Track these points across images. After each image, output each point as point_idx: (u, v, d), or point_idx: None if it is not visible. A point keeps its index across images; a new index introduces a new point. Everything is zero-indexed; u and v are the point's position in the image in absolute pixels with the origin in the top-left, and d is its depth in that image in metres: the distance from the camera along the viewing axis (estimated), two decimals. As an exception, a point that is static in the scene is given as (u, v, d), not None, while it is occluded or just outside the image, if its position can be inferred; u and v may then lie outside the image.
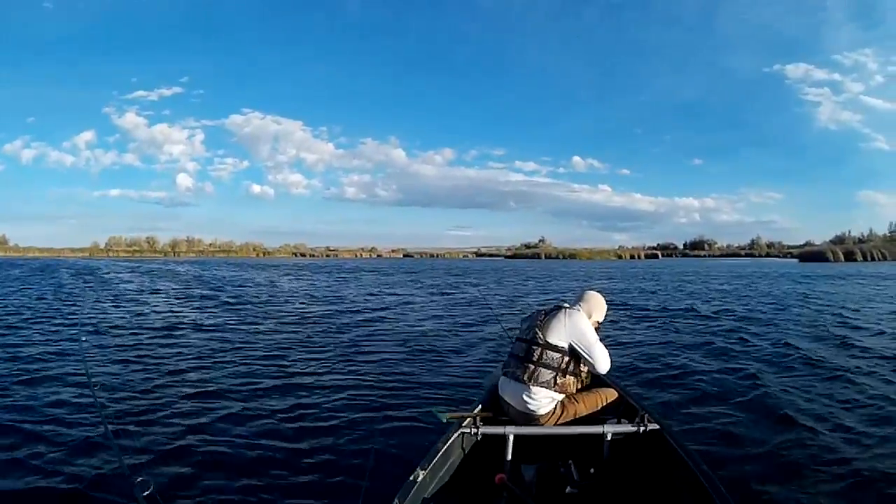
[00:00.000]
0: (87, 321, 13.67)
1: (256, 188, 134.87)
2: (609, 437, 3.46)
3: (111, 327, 12.44)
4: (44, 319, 13.92)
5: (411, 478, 2.99)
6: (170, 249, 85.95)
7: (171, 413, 5.79)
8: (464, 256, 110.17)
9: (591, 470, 3.37)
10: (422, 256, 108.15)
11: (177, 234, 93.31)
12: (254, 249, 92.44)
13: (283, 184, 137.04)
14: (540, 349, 3.53)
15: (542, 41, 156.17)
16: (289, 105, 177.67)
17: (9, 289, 25.08)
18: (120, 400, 6.24)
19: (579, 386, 3.63)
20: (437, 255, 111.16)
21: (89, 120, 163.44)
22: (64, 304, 18.09)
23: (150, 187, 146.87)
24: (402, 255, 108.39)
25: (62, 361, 8.38)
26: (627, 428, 3.49)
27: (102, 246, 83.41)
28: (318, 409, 6.07)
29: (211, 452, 4.67)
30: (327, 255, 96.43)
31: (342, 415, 5.83)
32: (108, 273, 40.95)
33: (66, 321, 13.66)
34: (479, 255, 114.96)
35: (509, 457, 3.47)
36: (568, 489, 3.24)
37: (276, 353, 9.34)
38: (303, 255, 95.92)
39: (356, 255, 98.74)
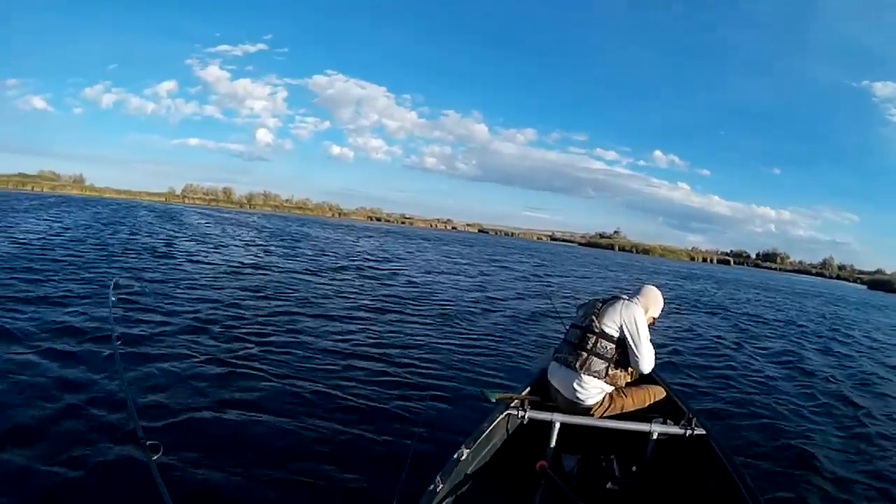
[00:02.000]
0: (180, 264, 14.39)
1: (336, 149, 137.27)
2: (654, 437, 3.39)
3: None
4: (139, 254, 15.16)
5: (455, 455, 3.03)
6: (245, 202, 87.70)
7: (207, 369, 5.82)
8: (538, 238, 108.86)
9: (633, 468, 3.36)
10: (497, 234, 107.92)
11: (253, 188, 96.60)
12: (329, 209, 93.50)
13: (363, 147, 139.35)
14: (595, 338, 3.52)
15: (624, 30, 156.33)
16: (373, 70, 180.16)
17: (99, 226, 25.80)
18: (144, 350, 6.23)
19: (628, 380, 3.61)
20: (512, 234, 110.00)
21: (171, 70, 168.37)
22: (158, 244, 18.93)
23: (229, 140, 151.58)
24: (476, 231, 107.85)
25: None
26: (674, 429, 3.39)
27: (178, 193, 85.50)
28: (368, 376, 6.15)
29: (244, 420, 4.61)
30: (402, 223, 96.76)
31: (392, 386, 5.90)
32: (192, 219, 41.94)
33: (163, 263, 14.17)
34: (553, 238, 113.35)
35: (553, 444, 3.46)
36: (609, 485, 3.23)
37: (334, 314, 9.54)
38: (378, 219, 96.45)
39: (431, 226, 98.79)
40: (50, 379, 5.04)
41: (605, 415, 3.51)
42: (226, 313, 8.71)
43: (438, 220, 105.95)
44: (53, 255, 13.51)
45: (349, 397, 5.36)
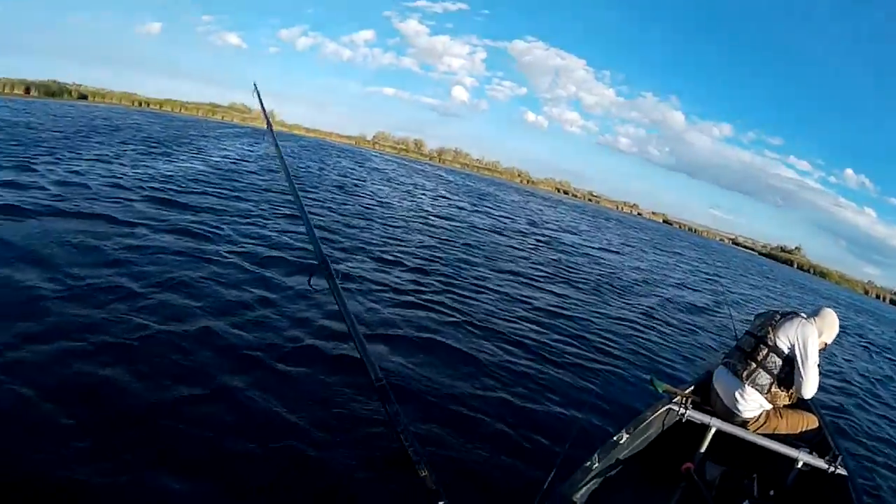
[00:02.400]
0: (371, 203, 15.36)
1: (531, 116, 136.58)
2: (798, 465, 3.28)
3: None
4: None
5: (615, 437, 3.13)
6: (436, 155, 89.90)
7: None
8: (720, 240, 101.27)
9: (771, 492, 3.31)
10: (680, 227, 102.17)
11: (445, 143, 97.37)
12: (518, 175, 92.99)
13: (557, 118, 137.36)
14: (766, 350, 3.44)
15: (828, 36, 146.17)
16: (573, 41, 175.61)
17: (295, 159, 28.33)
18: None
19: (787, 402, 3.52)
20: (696, 231, 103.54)
21: (370, 20, 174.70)
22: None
23: (424, 93, 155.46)
24: (661, 220, 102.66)
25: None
26: (818, 462, 3.22)
27: (369, 138, 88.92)
28: (548, 343, 6.54)
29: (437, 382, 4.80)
30: (588, 199, 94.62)
31: (570, 356, 6.28)
32: (382, 164, 43.06)
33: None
34: (735, 243, 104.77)
35: (703, 448, 3.44)
36: (745, 503, 3.10)
37: (518, 275, 10.17)
38: (565, 192, 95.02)
39: (617, 208, 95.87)
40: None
41: (757, 431, 3.42)
42: (415, 257, 9.62)
43: (625, 203, 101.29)
44: (252, 179, 14.94)
45: (530, 360, 5.85)
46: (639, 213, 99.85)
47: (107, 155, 14.50)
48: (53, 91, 57.66)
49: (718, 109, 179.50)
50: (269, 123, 3.43)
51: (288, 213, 10.66)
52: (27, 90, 54.20)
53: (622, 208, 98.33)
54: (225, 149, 24.85)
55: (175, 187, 11.46)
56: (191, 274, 6.09)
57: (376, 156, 62.45)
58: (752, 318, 3.82)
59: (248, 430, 3.46)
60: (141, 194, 9.96)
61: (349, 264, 8.07)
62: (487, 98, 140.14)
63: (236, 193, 12.27)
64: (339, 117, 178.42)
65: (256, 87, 3.66)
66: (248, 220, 9.67)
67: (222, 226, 8.69)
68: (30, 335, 4.04)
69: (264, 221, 9.80)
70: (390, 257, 9.16)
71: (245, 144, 30.89)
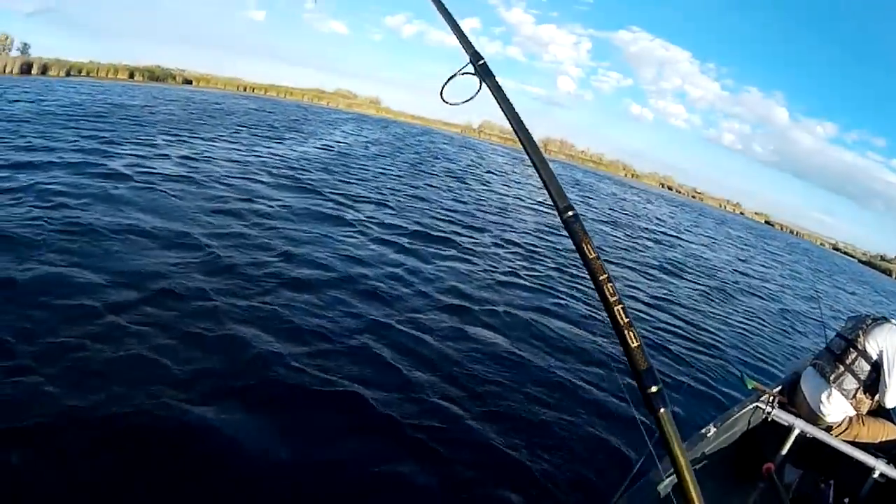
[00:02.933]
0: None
1: (636, 108, 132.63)
2: (875, 475, 3.17)
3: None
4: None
5: (703, 430, 3.17)
6: (542, 145, 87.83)
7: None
8: (820, 244, 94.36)
9: (846, 500, 3.26)
10: (781, 228, 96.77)
11: (550, 133, 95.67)
12: (623, 168, 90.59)
13: (662, 111, 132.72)
14: (856, 354, 3.35)
15: None
16: (678, 32, 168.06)
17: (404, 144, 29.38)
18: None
19: (870, 409, 3.42)
20: (797, 234, 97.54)
21: (474, 8, 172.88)
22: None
23: (530, 83, 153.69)
24: (763, 221, 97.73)
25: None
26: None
27: (475, 127, 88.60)
28: (648, 334, 6.93)
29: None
30: (692, 196, 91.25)
31: (667, 343, 6.76)
32: (488, 154, 42.86)
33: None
34: (835, 248, 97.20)
35: (785, 450, 3.39)
36: None
37: (626, 266, 10.95)
38: (669, 187, 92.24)
39: (720, 205, 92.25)
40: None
41: (839, 436, 3.34)
42: (522, 241, 10.71)
43: (728, 201, 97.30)
44: (371, 163, 15.62)
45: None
46: (741, 212, 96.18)
47: (226, 136, 16.07)
48: (158, 76, 58.55)
49: (822, 107, 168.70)
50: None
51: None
52: (131, 75, 55.29)
53: (725, 206, 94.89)
54: (342, 133, 26.52)
55: (299, 168, 12.97)
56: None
57: (482, 145, 61.87)
58: (844, 321, 3.73)
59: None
60: (268, 174, 11.28)
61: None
62: (593, 88, 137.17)
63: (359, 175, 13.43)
64: (444, 105, 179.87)
65: None
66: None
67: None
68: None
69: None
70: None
71: (355, 130, 32.31)
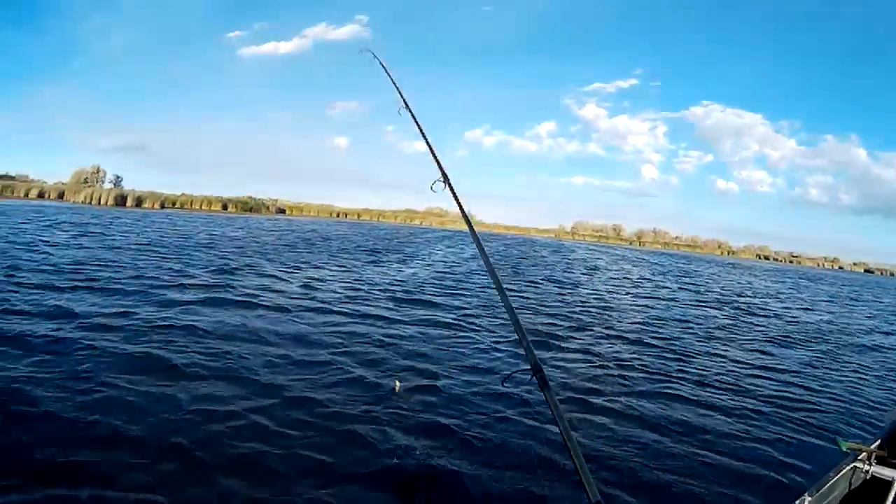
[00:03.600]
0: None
1: (721, 183, 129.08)
2: None
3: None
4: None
5: (797, 501, 2.97)
6: (635, 239, 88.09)
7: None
8: None
9: None
10: (881, 273, 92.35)
11: (642, 224, 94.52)
12: (719, 247, 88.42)
13: (746, 180, 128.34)
14: None
15: None
16: (747, 97, 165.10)
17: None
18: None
19: None
20: None
21: (549, 112, 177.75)
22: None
23: (614, 177, 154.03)
24: (862, 270, 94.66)
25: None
26: None
27: (568, 229, 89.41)
28: (753, 404, 6.97)
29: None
30: (790, 261, 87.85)
31: (767, 416, 6.61)
32: (583, 254, 43.77)
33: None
34: None
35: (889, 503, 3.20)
36: None
37: (730, 345, 10.83)
38: (766, 257, 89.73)
39: (818, 265, 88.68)
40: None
41: None
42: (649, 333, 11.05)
43: (825, 258, 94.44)
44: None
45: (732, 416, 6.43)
46: (840, 267, 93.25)
47: (341, 263, 17.33)
48: (251, 206, 61.39)
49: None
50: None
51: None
52: (224, 206, 58.79)
53: (823, 264, 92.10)
54: (434, 253, 27.36)
55: (408, 288, 13.73)
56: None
57: (579, 246, 62.66)
58: None
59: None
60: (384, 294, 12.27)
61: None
62: (676, 172, 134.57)
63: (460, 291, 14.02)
64: (535, 212, 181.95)
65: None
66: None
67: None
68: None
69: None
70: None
71: (449, 247, 33.56)
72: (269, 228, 32.95)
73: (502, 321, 10.00)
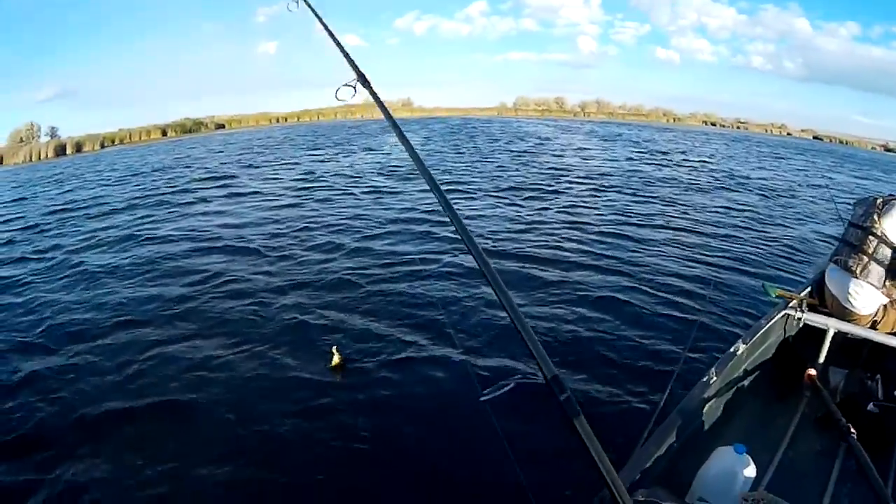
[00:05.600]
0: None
1: (662, 52, 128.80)
2: None
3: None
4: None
5: (732, 349, 3.06)
6: (579, 110, 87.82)
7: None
8: (872, 148, 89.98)
9: None
10: (830, 140, 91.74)
11: (584, 97, 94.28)
12: (664, 115, 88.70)
13: (687, 49, 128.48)
14: (875, 241, 3.24)
15: None
16: None
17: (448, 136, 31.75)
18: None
19: None
20: (845, 143, 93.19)
21: None
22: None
23: (550, 50, 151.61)
24: (811, 137, 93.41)
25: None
26: None
27: (510, 105, 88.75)
28: (657, 265, 7.23)
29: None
30: (737, 127, 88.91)
31: (684, 269, 7.03)
32: (532, 129, 43.12)
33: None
34: (887, 149, 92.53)
35: (824, 353, 3.36)
36: (870, 405, 3.01)
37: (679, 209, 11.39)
38: (713, 124, 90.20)
39: (766, 131, 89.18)
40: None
41: (877, 329, 3.31)
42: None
43: (772, 124, 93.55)
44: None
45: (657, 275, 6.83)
46: (788, 133, 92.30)
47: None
48: (190, 128, 58.49)
49: (840, 8, 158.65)
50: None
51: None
52: (164, 132, 55.83)
53: (770, 130, 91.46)
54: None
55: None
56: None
57: (522, 121, 60.72)
58: (852, 207, 3.61)
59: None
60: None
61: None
62: (614, 42, 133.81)
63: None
64: (475, 93, 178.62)
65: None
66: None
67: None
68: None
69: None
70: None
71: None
72: (222, 144, 32.11)
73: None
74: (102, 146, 51.23)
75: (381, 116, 2.18)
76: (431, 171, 1.83)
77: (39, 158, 46.43)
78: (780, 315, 3.48)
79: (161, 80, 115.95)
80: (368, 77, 2.29)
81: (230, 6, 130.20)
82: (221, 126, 64.53)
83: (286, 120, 71.53)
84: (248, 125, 67.22)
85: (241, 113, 71.04)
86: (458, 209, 1.69)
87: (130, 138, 54.85)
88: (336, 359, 4.69)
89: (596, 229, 9.19)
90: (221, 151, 25.53)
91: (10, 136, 54.94)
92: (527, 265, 7.22)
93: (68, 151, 48.88)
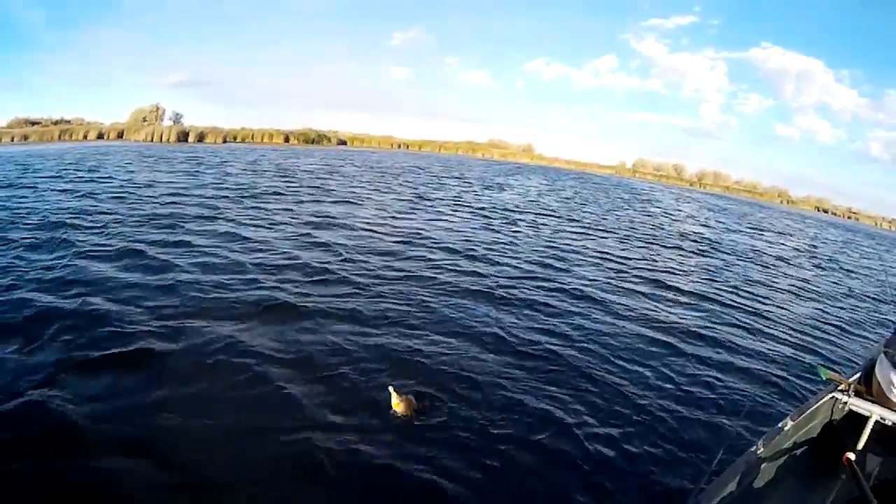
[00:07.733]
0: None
1: (782, 129, 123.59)
2: None
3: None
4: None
5: (780, 424, 3.36)
6: (696, 180, 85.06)
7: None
8: None
9: None
10: None
11: (702, 165, 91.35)
12: (779, 195, 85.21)
13: (807, 129, 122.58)
14: None
15: None
16: (806, 41, 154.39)
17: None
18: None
19: None
20: None
21: (607, 46, 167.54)
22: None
23: (674, 114, 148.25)
24: None
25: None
26: None
27: (629, 166, 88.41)
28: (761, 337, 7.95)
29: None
30: (847, 217, 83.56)
31: (756, 359, 7.06)
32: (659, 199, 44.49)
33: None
34: None
35: (864, 438, 3.43)
36: None
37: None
38: (825, 210, 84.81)
39: (876, 224, 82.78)
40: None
41: None
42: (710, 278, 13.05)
43: (884, 218, 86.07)
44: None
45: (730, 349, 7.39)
46: None
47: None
48: (312, 138, 61.14)
49: None
50: None
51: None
52: (286, 139, 58.58)
53: (881, 224, 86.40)
54: (515, 185, 32.39)
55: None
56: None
57: (640, 185, 61.87)
58: None
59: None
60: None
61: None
62: (735, 113, 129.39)
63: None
64: (594, 146, 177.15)
65: None
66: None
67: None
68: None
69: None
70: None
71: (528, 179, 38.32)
72: (349, 158, 36.01)
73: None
74: (225, 140, 53.10)
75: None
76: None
77: (161, 140, 48.04)
78: (827, 397, 3.57)
79: (287, 85, 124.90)
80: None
81: (366, 26, 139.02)
82: (343, 142, 66.79)
83: (408, 147, 73.20)
84: (370, 144, 69.36)
85: (365, 133, 72.74)
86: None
87: (253, 138, 57.09)
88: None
89: (714, 300, 10.21)
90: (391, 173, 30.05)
91: (133, 114, 56.66)
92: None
93: (190, 139, 50.34)
